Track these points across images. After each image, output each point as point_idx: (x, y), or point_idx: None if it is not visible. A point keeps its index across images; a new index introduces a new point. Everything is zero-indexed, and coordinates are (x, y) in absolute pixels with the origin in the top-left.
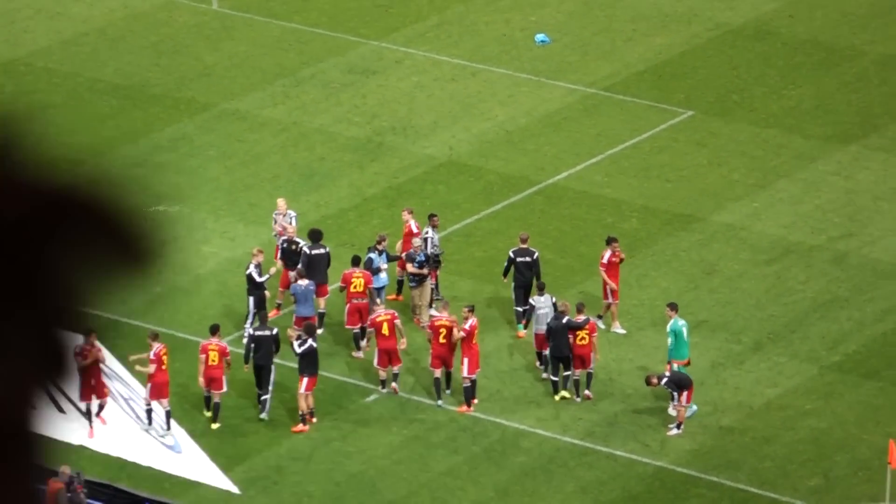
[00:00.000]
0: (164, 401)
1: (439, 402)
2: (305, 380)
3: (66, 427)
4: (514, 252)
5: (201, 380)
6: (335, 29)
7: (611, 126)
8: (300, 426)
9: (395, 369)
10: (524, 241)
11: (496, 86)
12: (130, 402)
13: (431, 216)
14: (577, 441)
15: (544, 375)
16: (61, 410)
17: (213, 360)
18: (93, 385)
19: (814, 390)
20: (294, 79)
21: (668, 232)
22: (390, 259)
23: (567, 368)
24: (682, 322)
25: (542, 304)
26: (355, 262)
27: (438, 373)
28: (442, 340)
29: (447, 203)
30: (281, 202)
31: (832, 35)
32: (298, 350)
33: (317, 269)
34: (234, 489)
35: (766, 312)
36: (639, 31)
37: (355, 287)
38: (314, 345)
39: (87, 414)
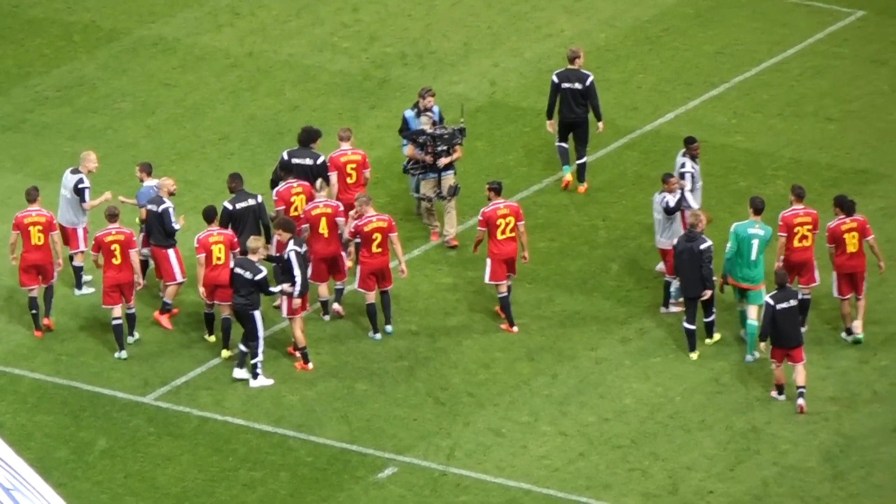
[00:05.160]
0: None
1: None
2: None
3: None
4: (558, 75)
5: (202, 289)
6: None
7: (737, 38)
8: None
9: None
10: (573, 59)
11: None
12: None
13: (426, 92)
14: None
15: (664, 310)
16: None
17: (219, 258)
18: None
19: None
20: None
21: (833, 197)
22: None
23: (706, 309)
24: (758, 228)
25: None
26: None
27: (372, 296)
28: (376, 249)
29: (490, 167)
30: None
31: None
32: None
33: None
34: None
35: None
36: None
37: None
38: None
39: None
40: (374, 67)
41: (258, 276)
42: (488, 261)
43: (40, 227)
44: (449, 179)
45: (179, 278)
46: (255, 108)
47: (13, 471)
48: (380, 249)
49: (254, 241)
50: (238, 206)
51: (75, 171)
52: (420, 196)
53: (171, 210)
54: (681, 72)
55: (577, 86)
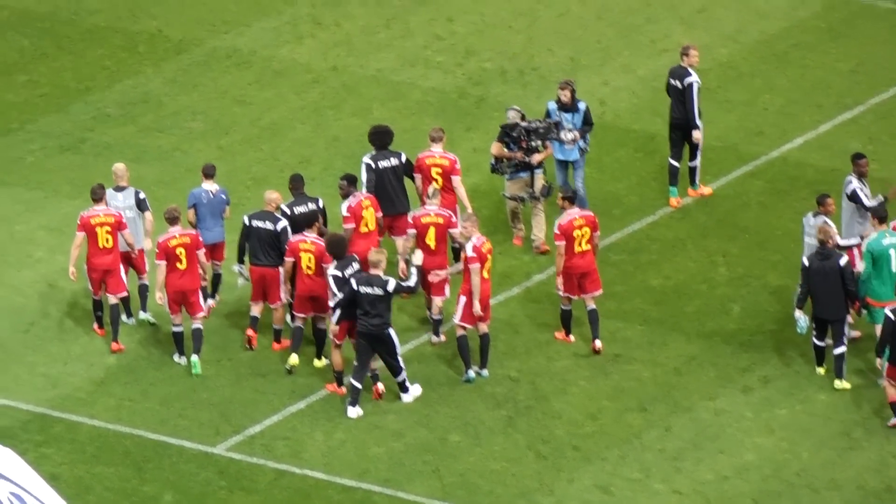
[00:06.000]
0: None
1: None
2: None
3: None
4: (669, 71)
5: (285, 296)
6: None
7: (874, 55)
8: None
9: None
10: (682, 54)
11: None
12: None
13: (566, 84)
14: None
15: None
16: None
17: (309, 267)
18: None
19: None
20: None
21: None
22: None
23: (836, 337)
24: (892, 238)
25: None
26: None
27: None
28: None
29: (598, 196)
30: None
31: None
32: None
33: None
34: None
35: None
36: None
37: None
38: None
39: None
40: (470, 84)
41: (390, 287)
42: (560, 276)
43: (108, 228)
44: (540, 178)
45: (285, 299)
46: (338, 129)
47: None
48: (487, 275)
49: (375, 254)
50: (297, 210)
51: (120, 188)
52: (511, 196)
53: (289, 228)
54: (811, 92)
55: (678, 83)
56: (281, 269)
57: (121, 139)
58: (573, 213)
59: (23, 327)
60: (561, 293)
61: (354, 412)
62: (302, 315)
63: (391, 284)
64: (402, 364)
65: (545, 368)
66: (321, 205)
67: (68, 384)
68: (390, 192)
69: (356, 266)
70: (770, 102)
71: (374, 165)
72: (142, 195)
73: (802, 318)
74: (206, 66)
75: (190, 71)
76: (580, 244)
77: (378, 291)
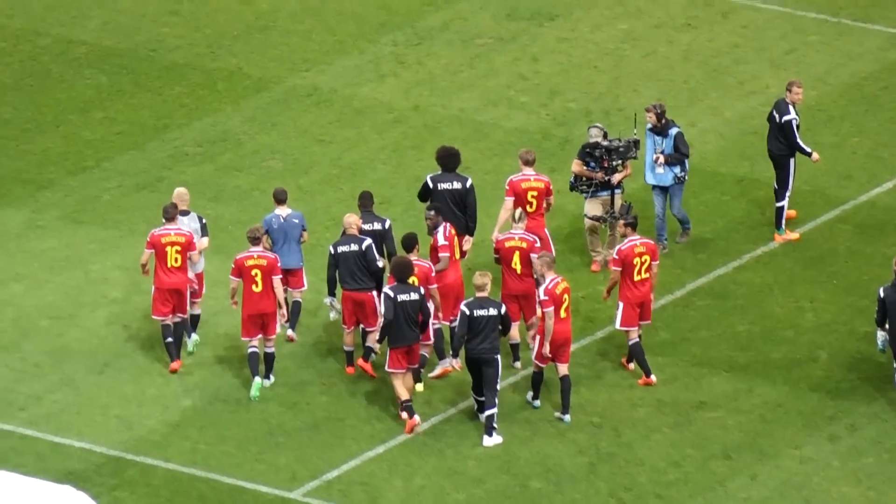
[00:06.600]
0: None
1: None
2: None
3: None
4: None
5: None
6: None
7: None
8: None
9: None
10: (787, 89)
11: (764, 33)
12: None
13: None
14: None
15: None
16: None
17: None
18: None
19: None
20: (413, 31)
21: None
22: None
23: None
24: None
25: None
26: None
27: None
28: (562, 314)
29: (699, 243)
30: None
31: None
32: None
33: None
34: None
35: None
36: None
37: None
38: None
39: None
40: (554, 125)
41: (503, 310)
42: (620, 304)
43: (178, 248)
44: (619, 198)
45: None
46: (420, 169)
47: None
48: (565, 315)
49: (480, 278)
50: (364, 227)
51: (184, 213)
52: (591, 216)
53: (373, 246)
54: None
55: (777, 116)
56: (373, 292)
57: (198, 178)
58: (634, 240)
59: (97, 369)
60: (619, 326)
61: (492, 441)
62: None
63: (504, 309)
64: (496, 399)
65: (628, 415)
66: (387, 225)
67: (143, 427)
68: (448, 215)
69: (414, 295)
70: (859, 146)
71: (431, 185)
72: (204, 220)
73: (881, 336)
74: (285, 105)
75: (269, 109)
76: (639, 272)
77: (492, 312)
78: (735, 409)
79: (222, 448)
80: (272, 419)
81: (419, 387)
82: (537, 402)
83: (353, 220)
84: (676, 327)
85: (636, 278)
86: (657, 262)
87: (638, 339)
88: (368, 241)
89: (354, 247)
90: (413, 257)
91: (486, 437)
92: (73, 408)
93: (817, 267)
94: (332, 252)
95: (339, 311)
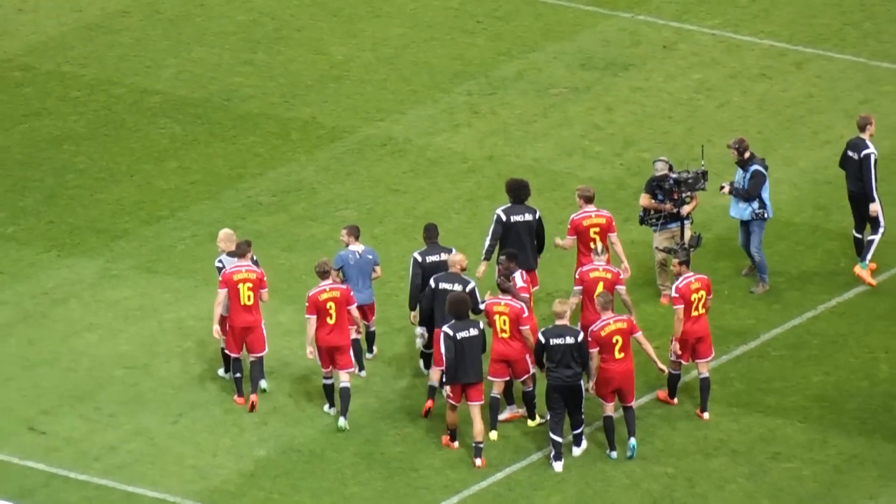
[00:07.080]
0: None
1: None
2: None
3: None
4: (847, 143)
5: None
6: None
7: None
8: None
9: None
10: (861, 126)
11: (837, 83)
12: None
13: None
14: None
15: None
16: None
17: (503, 330)
18: None
19: None
20: (487, 81)
21: None
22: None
23: None
24: None
25: None
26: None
27: (610, 408)
28: (619, 355)
29: (773, 293)
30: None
31: None
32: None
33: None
34: None
35: None
36: None
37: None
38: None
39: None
40: (628, 175)
41: (580, 338)
42: (675, 342)
43: (250, 285)
44: (689, 229)
45: None
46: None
47: None
48: (622, 355)
49: (560, 305)
50: (428, 259)
51: (233, 253)
52: (662, 248)
53: (477, 289)
54: None
55: (854, 155)
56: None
57: (273, 227)
58: (689, 277)
59: (171, 419)
60: (674, 358)
61: (559, 465)
62: (498, 379)
63: (581, 337)
64: (583, 417)
65: (702, 465)
66: (469, 288)
67: (217, 476)
68: (519, 249)
69: (473, 331)
70: None
71: (504, 218)
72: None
73: None
74: (359, 154)
75: (343, 159)
76: (696, 308)
77: (569, 341)
78: (810, 459)
79: (296, 498)
80: (346, 469)
81: (493, 434)
82: (614, 454)
83: (457, 259)
84: (751, 378)
85: (693, 314)
86: (711, 296)
87: (679, 372)
88: (473, 284)
89: (458, 286)
90: (507, 298)
91: (574, 448)
92: (148, 458)
93: (892, 318)
94: (433, 286)
95: (426, 339)
